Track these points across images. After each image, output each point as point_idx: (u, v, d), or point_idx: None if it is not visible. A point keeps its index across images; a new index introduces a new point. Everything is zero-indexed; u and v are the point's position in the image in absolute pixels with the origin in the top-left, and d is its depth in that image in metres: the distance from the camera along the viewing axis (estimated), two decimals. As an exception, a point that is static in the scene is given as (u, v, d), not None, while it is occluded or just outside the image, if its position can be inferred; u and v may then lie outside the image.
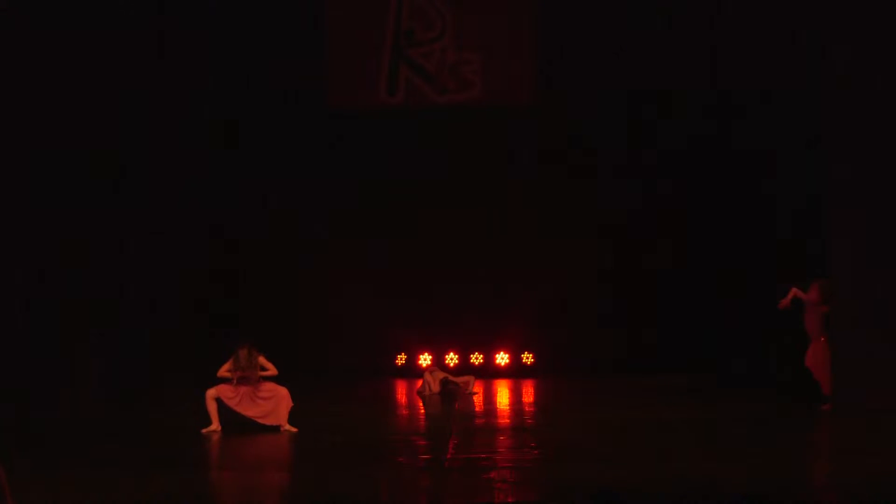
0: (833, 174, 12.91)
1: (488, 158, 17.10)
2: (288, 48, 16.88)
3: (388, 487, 9.35)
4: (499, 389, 15.93)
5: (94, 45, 13.92)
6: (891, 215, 12.55)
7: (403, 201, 17.19)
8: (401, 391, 16.02)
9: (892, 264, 12.54)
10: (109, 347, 14.28)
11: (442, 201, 17.18)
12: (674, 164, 16.89)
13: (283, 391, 11.95)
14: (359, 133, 17.24)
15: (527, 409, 14.62)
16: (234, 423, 11.85)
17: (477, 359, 17.38)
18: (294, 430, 11.85)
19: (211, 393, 11.86)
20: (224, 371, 11.88)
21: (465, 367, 16.98)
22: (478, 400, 14.85)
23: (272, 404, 11.93)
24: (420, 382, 15.47)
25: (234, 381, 11.83)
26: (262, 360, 11.89)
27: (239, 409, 11.89)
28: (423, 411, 14.03)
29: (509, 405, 14.84)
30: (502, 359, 17.44)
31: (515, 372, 17.25)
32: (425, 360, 17.29)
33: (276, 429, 11.89)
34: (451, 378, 15.27)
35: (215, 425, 11.83)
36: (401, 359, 17.44)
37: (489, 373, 17.06)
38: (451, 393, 14.98)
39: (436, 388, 15.11)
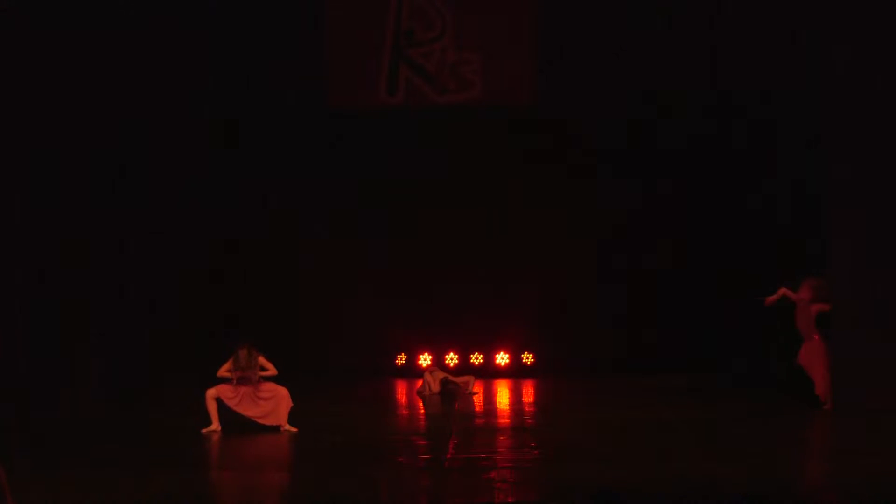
0: (833, 174, 12.91)
1: (488, 158, 17.09)
2: (288, 48, 16.88)
3: (388, 487, 9.35)
4: (499, 389, 15.92)
5: (93, 44, 13.91)
6: (891, 215, 12.55)
7: (403, 201, 17.18)
8: (401, 391, 16.02)
9: (892, 264, 12.54)
10: (109, 347, 14.28)
11: (442, 201, 17.17)
12: (674, 164, 16.88)
13: (283, 391, 11.96)
14: (359, 133, 17.23)
15: (527, 409, 14.62)
16: (234, 423, 11.85)
17: (477, 359, 17.38)
18: (294, 430, 11.86)
19: (211, 393, 11.86)
20: (224, 371, 11.88)
21: (465, 367, 16.97)
22: (478, 400, 14.85)
23: (272, 404, 11.93)
24: (420, 382, 15.47)
25: (234, 382, 11.84)
26: (261, 360, 11.90)
27: (239, 410, 11.90)
28: (423, 411, 14.03)
29: (509, 405, 14.84)
30: (502, 359, 17.44)
31: (515, 372, 17.24)
32: (425, 360, 17.29)
33: (276, 429, 11.90)
34: (451, 378, 15.27)
35: (215, 425, 11.83)
36: (401, 359, 17.44)
37: (489, 373, 17.06)
38: (451, 393, 14.98)
39: (436, 388, 15.11)
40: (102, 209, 14.30)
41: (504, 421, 13.44)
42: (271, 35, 16.85)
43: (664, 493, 8.72)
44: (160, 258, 15.35)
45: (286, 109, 17.06)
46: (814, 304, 13.06)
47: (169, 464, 10.21)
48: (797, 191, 14.74)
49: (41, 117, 13.26)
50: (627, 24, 16.67)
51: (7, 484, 7.20)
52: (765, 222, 15.75)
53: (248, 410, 11.91)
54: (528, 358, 17.42)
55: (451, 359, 17.32)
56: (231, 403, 11.87)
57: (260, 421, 11.93)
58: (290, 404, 11.95)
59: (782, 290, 13.22)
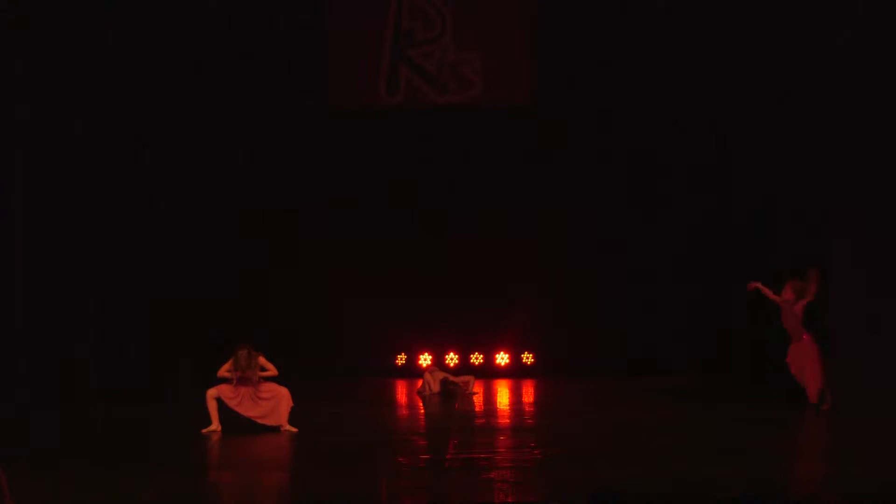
0: (833, 174, 12.91)
1: (488, 158, 17.08)
2: (288, 48, 16.87)
3: (388, 487, 9.35)
4: (499, 389, 15.93)
5: (93, 44, 13.93)
6: (891, 215, 12.55)
7: (403, 201, 17.18)
8: (401, 391, 16.02)
9: (892, 264, 12.54)
10: (109, 347, 14.28)
11: (442, 201, 17.17)
12: (674, 164, 16.86)
13: (284, 391, 11.96)
14: (359, 133, 17.22)
15: (527, 409, 14.63)
16: (234, 423, 11.85)
17: (477, 359, 17.38)
18: (294, 430, 11.86)
19: (211, 393, 11.87)
20: (224, 371, 11.88)
21: (465, 367, 16.97)
22: (478, 400, 14.86)
23: (272, 404, 11.94)
24: (420, 382, 15.47)
25: (235, 382, 11.84)
26: (261, 360, 11.90)
27: (239, 410, 11.90)
28: (423, 411, 14.04)
29: (509, 405, 14.85)
30: (502, 359, 17.44)
31: (515, 372, 17.24)
32: (425, 360, 17.29)
33: (276, 429, 11.90)
34: (451, 378, 15.27)
35: (215, 425, 11.84)
36: (401, 359, 17.44)
37: (489, 373, 17.06)
38: (451, 393, 14.98)
39: (436, 388, 15.12)
40: (102, 209, 14.32)
41: (504, 421, 13.45)
42: (271, 35, 16.84)
43: (664, 493, 8.72)
44: (160, 258, 15.35)
45: (286, 109, 17.05)
46: (797, 303, 13.06)
47: (169, 464, 10.21)
48: (797, 191, 14.74)
49: (40, 116, 13.28)
50: (627, 24, 16.65)
51: (7, 484, 7.21)
52: (765, 222, 15.75)
53: (249, 410, 11.92)
54: (528, 358, 17.42)
55: (451, 359, 17.32)
56: (231, 404, 11.88)
57: (260, 421, 11.94)
58: (291, 404, 11.95)
59: (758, 284, 13.24)
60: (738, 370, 15.95)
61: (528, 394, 15.80)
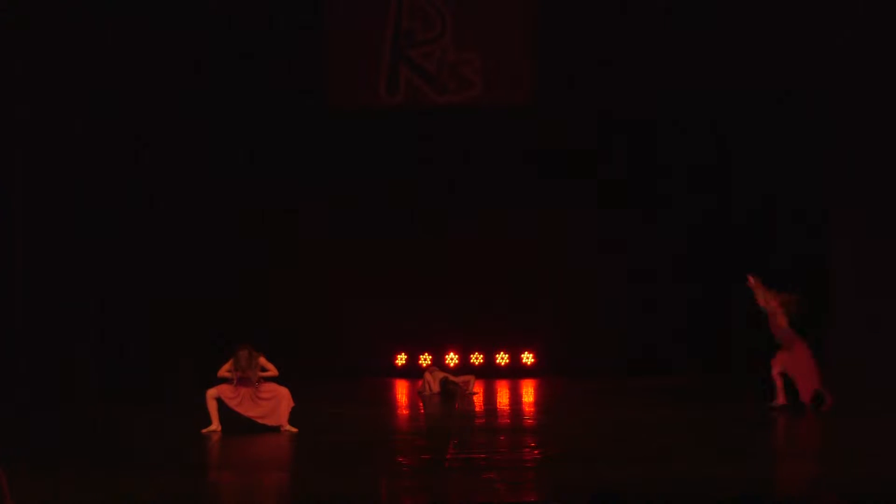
0: (833, 175, 12.92)
1: (488, 158, 17.08)
2: (288, 48, 16.87)
3: (388, 487, 9.35)
4: (499, 389, 15.93)
5: (93, 44, 13.93)
6: (891, 215, 12.56)
7: (403, 201, 17.18)
8: (401, 391, 16.02)
9: (892, 264, 12.55)
10: (109, 347, 14.28)
11: (442, 201, 17.17)
12: (674, 164, 16.86)
13: (284, 391, 11.95)
14: (359, 133, 17.22)
15: (527, 409, 14.62)
16: (234, 423, 11.85)
17: (477, 359, 17.38)
18: (294, 430, 11.85)
19: (211, 393, 11.86)
20: (224, 371, 11.88)
21: (465, 367, 16.97)
22: (478, 400, 14.85)
23: (272, 404, 11.93)
24: (420, 382, 15.46)
25: (235, 382, 11.84)
26: (262, 360, 11.90)
27: (239, 410, 11.90)
28: (423, 411, 14.04)
29: (509, 405, 14.85)
30: (502, 359, 17.44)
31: (515, 372, 17.24)
32: (425, 360, 17.29)
33: (276, 429, 11.89)
34: (451, 378, 15.26)
35: (215, 425, 11.83)
36: (401, 359, 17.44)
37: (489, 373, 17.05)
38: (451, 393, 14.98)
39: (436, 388, 15.11)
40: (102, 209, 14.32)
41: (504, 421, 13.45)
42: (271, 35, 16.84)
43: (664, 493, 8.72)
44: (160, 258, 15.35)
45: (286, 109, 17.05)
46: (779, 315, 13.02)
47: (169, 464, 10.21)
48: (797, 190, 14.75)
49: (40, 115, 13.28)
50: (627, 24, 16.65)
51: (7, 485, 7.21)
52: (765, 222, 15.75)
53: (249, 411, 11.91)
54: (528, 358, 17.42)
55: (451, 359, 17.31)
56: (232, 404, 11.87)
57: (260, 421, 11.93)
58: (292, 404, 11.94)
59: (756, 282, 13.21)
60: (738, 370, 15.94)
61: (528, 394, 15.80)
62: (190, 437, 11.66)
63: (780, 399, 12.95)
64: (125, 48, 14.56)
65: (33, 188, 13.42)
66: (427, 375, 15.37)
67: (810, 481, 9.80)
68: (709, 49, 15.93)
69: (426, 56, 17.12)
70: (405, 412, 14.45)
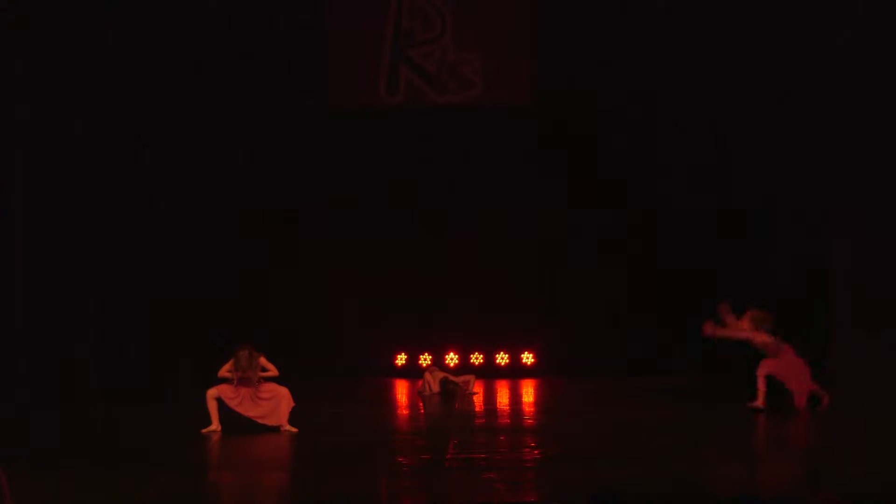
0: (833, 174, 12.92)
1: (488, 158, 17.08)
2: (288, 48, 16.86)
3: (388, 487, 9.35)
4: (499, 389, 15.92)
5: (93, 44, 13.92)
6: (891, 215, 12.56)
7: (403, 201, 17.17)
8: (401, 391, 16.02)
9: (892, 264, 12.55)
10: (109, 347, 14.28)
11: (442, 201, 17.17)
12: (674, 164, 16.86)
13: (284, 391, 11.96)
14: (359, 133, 17.22)
15: (527, 409, 14.62)
16: (234, 423, 11.85)
17: (477, 359, 17.38)
18: (294, 430, 11.85)
19: (212, 393, 11.86)
20: (224, 372, 11.88)
21: (465, 367, 16.96)
22: (478, 400, 14.85)
23: (273, 404, 11.93)
24: (420, 382, 15.46)
25: (235, 382, 11.84)
26: (262, 360, 11.90)
27: (240, 410, 11.90)
28: (423, 411, 14.03)
29: (509, 405, 14.85)
30: (502, 359, 17.44)
31: (515, 372, 17.24)
32: (425, 360, 17.28)
33: (276, 429, 11.89)
34: (451, 378, 15.26)
35: (215, 425, 11.83)
36: (401, 359, 17.43)
37: (489, 373, 17.04)
38: (451, 393, 14.98)
39: (436, 388, 15.11)
40: (102, 209, 14.32)
41: (504, 421, 13.45)
42: (271, 35, 16.84)
43: (664, 493, 8.72)
44: (160, 258, 15.35)
45: (286, 109, 17.04)
46: (756, 335, 13.01)
47: (169, 464, 10.21)
48: (797, 190, 14.74)
49: (39, 115, 13.28)
50: (628, 24, 16.64)
51: (7, 485, 7.21)
52: (764, 222, 15.75)
53: (249, 411, 11.91)
54: (528, 358, 17.42)
55: (451, 359, 17.31)
56: (232, 404, 11.87)
57: (260, 421, 11.93)
58: (292, 404, 11.94)
59: (715, 328, 13.20)
60: (738, 370, 15.93)
61: (528, 394, 15.79)
62: (190, 437, 11.66)
63: (760, 401, 12.94)
64: (125, 48, 14.55)
65: (33, 188, 13.41)
66: (427, 375, 15.37)
67: (810, 481, 9.79)
68: (709, 49, 15.93)
69: (426, 56, 17.11)
70: (405, 412, 14.45)
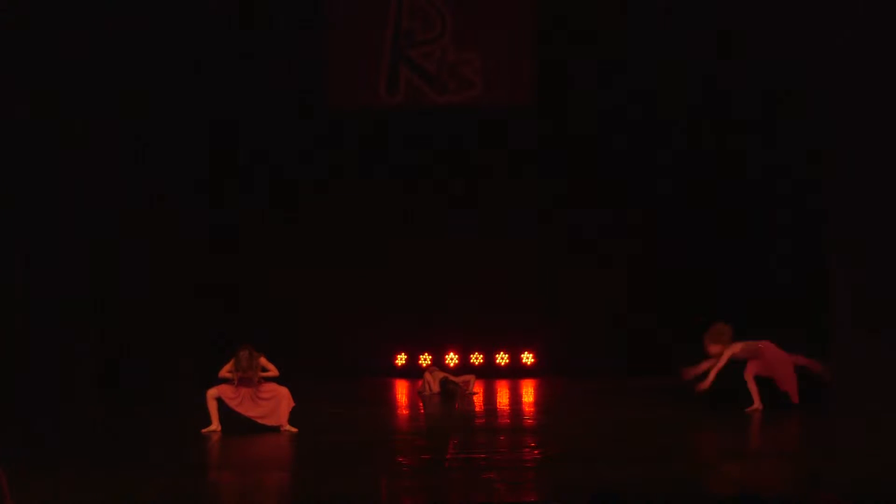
0: (833, 175, 12.91)
1: (488, 158, 17.09)
2: (288, 48, 16.87)
3: (388, 487, 9.35)
4: (499, 389, 15.93)
5: (91, 44, 13.91)
6: (891, 215, 12.55)
7: (403, 201, 17.18)
8: (401, 391, 16.02)
9: (893, 264, 12.54)
10: (109, 347, 14.27)
11: (442, 201, 17.17)
12: (674, 164, 16.86)
13: (284, 391, 11.96)
14: (359, 133, 17.22)
15: (527, 409, 14.62)
16: (234, 423, 11.85)
17: (477, 359, 17.38)
18: (294, 430, 11.85)
19: (212, 393, 11.86)
20: (225, 372, 11.88)
21: (465, 367, 16.96)
22: (478, 400, 14.85)
23: (273, 404, 11.93)
24: (420, 382, 15.46)
25: (236, 383, 11.84)
26: (263, 360, 11.89)
27: (240, 410, 11.90)
28: (423, 411, 14.04)
29: (509, 405, 14.85)
30: (502, 359, 17.44)
31: (515, 372, 17.24)
32: (425, 360, 17.28)
33: (276, 429, 11.89)
34: (451, 378, 15.26)
35: (215, 425, 11.83)
36: (401, 359, 17.44)
37: (489, 373, 17.04)
38: (451, 393, 14.98)
39: (436, 388, 15.11)
40: (102, 209, 14.31)
41: (504, 421, 13.45)
42: (271, 35, 16.84)
43: (664, 493, 8.72)
44: (160, 258, 15.35)
45: (286, 109, 17.04)
46: (727, 351, 13.02)
47: (169, 464, 10.21)
48: (797, 190, 14.74)
49: (40, 114, 13.27)
50: (628, 24, 16.64)
51: (7, 484, 7.21)
52: (764, 222, 15.74)
53: (249, 411, 11.91)
54: (528, 358, 17.42)
55: (451, 359, 17.31)
56: (232, 404, 11.87)
57: (260, 421, 11.93)
58: (292, 404, 11.94)
59: (684, 373, 13.22)
60: (738, 370, 15.92)
61: (528, 394, 15.80)
62: (190, 437, 11.66)
63: (756, 403, 12.95)
64: (125, 48, 14.54)
65: (33, 188, 13.40)
66: (427, 375, 15.37)
67: (809, 481, 9.80)
68: (708, 49, 15.93)
69: (426, 56, 17.12)
70: (405, 412, 14.46)
